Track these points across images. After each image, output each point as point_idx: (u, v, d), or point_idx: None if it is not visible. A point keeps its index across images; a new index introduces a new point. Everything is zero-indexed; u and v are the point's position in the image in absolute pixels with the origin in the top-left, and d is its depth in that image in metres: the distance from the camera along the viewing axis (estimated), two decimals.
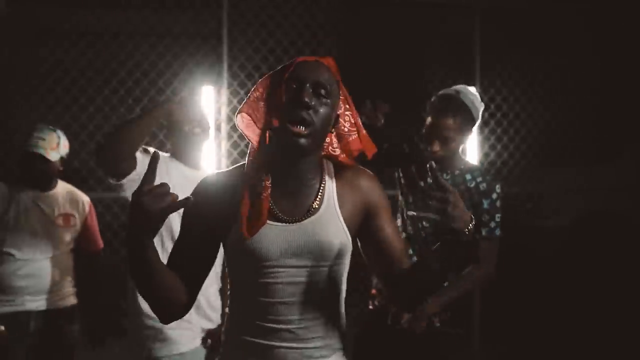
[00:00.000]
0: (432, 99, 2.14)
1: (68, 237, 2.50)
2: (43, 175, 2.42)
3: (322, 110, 1.24)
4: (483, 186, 2.11)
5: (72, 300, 2.53)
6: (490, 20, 3.94)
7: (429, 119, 2.12)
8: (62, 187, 2.54)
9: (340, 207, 1.29)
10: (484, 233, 2.10)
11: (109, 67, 3.45)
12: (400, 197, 2.23)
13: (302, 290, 1.27)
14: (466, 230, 1.20)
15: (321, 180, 1.30)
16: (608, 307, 4.39)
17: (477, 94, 2.17)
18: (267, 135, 1.25)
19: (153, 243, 1.16)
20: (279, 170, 1.27)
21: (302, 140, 1.21)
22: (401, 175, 2.23)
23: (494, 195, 2.10)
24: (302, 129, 1.21)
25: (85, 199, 2.59)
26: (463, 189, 2.11)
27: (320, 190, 1.29)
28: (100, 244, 2.66)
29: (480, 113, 2.15)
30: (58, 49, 3.43)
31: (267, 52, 3.75)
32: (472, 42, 3.75)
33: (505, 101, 4.04)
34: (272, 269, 1.25)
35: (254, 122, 1.28)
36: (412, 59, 5.48)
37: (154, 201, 1.09)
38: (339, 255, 1.28)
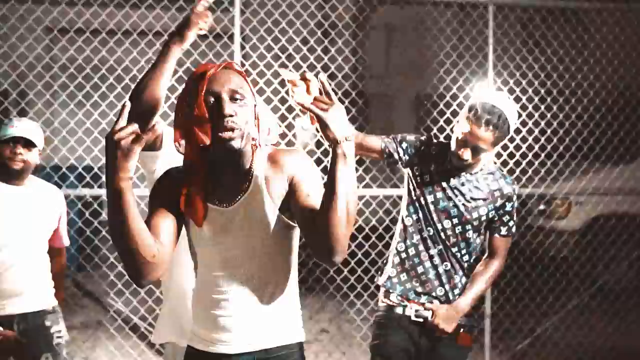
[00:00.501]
0: (474, 106, 2.07)
1: (45, 235, 2.40)
2: (24, 166, 2.27)
3: (242, 111, 1.42)
4: (507, 189, 2.19)
5: (53, 301, 2.43)
6: (503, 17, 3.90)
7: (465, 125, 2.07)
8: (37, 183, 2.41)
9: (268, 186, 1.47)
10: (503, 232, 2.24)
11: (114, 65, 3.46)
12: (411, 188, 2.22)
13: (239, 264, 1.48)
14: (340, 141, 1.33)
15: (250, 168, 1.48)
16: (621, 310, 4.34)
17: (515, 107, 2.16)
18: (203, 147, 1.43)
19: (131, 188, 1.29)
20: (217, 165, 1.47)
21: (234, 142, 1.41)
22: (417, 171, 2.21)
23: (514, 198, 2.22)
24: (231, 133, 1.40)
25: (60, 196, 2.47)
26: (486, 191, 2.18)
27: (250, 176, 1.48)
28: (66, 241, 2.55)
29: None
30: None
31: (279, 51, 3.75)
32: (485, 40, 3.72)
33: (518, 100, 4.00)
34: (213, 246, 1.48)
35: (183, 137, 1.46)
36: (425, 56, 5.45)
37: (125, 137, 1.25)
38: (271, 229, 1.47)
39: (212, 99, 1.41)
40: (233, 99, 1.42)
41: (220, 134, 1.39)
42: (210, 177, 1.48)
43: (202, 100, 1.39)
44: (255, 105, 1.48)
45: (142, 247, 1.32)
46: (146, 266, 1.35)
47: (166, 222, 1.44)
